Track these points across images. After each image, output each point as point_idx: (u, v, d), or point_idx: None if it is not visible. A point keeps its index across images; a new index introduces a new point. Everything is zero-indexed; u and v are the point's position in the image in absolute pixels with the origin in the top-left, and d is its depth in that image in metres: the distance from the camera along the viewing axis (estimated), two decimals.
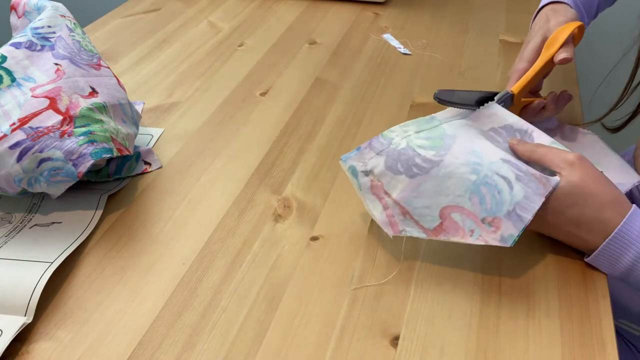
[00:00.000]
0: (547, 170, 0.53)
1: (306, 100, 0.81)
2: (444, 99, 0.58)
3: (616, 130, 0.70)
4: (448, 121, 0.58)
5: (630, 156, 0.73)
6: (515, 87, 0.63)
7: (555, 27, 0.65)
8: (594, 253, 0.52)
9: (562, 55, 0.62)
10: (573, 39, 0.65)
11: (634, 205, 0.51)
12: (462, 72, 0.88)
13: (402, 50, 0.95)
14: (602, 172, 0.54)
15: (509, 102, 0.63)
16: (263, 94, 0.83)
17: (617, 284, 0.70)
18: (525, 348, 0.46)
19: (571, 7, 0.69)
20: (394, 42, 0.97)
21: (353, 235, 0.58)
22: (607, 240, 0.50)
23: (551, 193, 0.51)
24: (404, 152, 0.54)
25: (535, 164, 0.54)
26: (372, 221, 0.59)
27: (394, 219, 0.54)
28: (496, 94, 0.62)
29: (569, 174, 0.51)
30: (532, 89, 0.66)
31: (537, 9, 0.72)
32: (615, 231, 0.50)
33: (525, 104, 0.66)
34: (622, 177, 0.63)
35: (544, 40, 0.66)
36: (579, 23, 0.64)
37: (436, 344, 0.48)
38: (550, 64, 0.64)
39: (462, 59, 0.92)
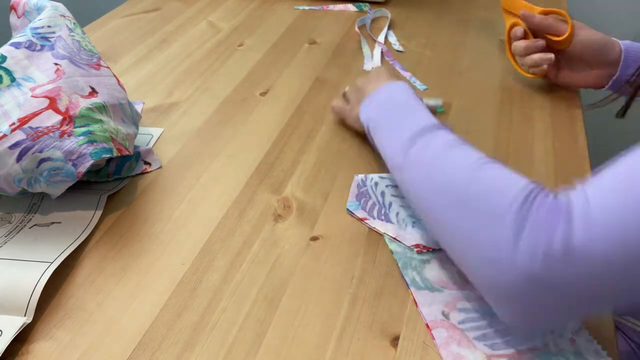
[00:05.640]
0: None
1: (306, 100, 0.81)
2: None
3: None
4: None
5: None
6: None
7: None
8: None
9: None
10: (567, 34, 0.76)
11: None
12: (462, 72, 0.88)
13: (402, 49, 0.95)
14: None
15: None
16: (263, 94, 0.83)
17: None
18: None
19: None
20: (394, 42, 0.97)
21: (353, 235, 0.58)
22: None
23: None
24: None
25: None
26: None
27: None
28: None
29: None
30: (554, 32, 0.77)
31: None
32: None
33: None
34: None
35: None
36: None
37: None
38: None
39: (462, 59, 0.92)
